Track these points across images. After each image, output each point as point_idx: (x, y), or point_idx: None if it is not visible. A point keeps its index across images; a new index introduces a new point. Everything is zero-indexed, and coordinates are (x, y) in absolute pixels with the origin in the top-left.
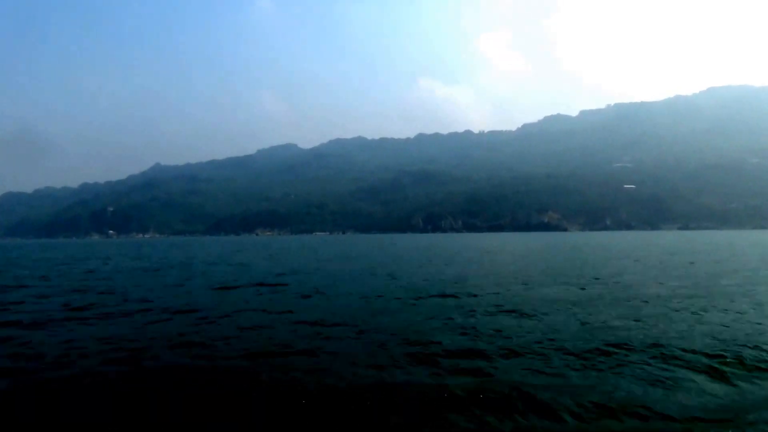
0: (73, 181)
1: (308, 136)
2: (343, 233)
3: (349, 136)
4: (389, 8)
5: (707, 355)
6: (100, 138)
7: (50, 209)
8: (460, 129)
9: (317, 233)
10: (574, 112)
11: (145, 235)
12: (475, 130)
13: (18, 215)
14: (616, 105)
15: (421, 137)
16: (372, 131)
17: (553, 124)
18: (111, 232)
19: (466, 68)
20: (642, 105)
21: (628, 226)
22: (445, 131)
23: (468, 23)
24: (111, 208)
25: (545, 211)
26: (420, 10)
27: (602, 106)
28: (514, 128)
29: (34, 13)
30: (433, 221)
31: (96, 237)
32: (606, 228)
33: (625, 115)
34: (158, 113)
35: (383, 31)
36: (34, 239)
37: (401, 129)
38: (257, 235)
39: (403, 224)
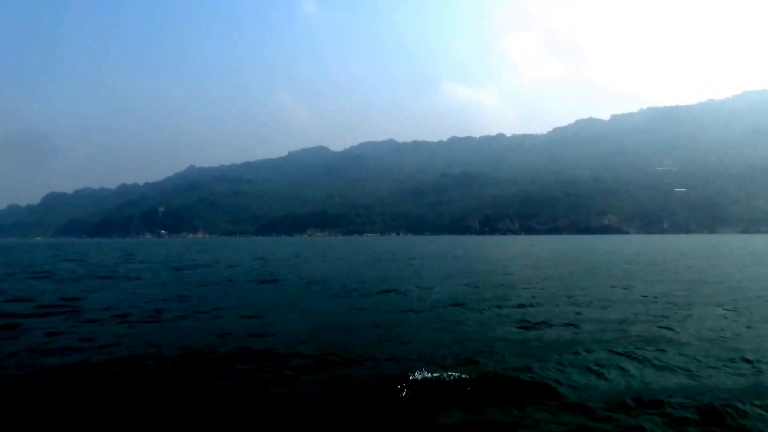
0: (107, 183)
1: (335, 139)
2: (397, 234)
3: (378, 138)
4: (413, 11)
5: None
6: (127, 141)
7: (96, 209)
8: (486, 132)
9: (367, 234)
10: (604, 116)
11: (196, 235)
12: (507, 134)
13: (64, 215)
14: (649, 109)
15: (453, 140)
16: (399, 134)
17: (585, 128)
18: (163, 231)
19: (490, 71)
20: (676, 109)
21: (687, 230)
22: (469, 134)
23: (491, 26)
24: (162, 209)
25: (605, 213)
26: (442, 12)
27: (634, 110)
28: (542, 131)
29: (58, 16)
30: (489, 223)
31: (149, 237)
32: (663, 231)
33: (659, 118)
34: (184, 116)
35: (400, 35)
36: (88, 238)
37: (427, 132)
38: (309, 235)
39: (458, 226)
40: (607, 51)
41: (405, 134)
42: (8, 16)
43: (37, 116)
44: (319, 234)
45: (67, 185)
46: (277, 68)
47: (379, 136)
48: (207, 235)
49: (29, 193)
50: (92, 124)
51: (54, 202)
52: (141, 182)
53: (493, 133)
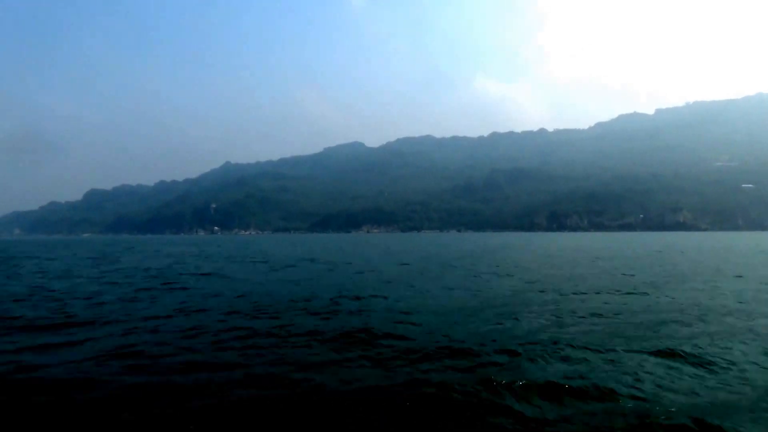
0: (142, 180)
1: (366, 135)
2: (458, 231)
3: (411, 134)
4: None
5: None
6: (155, 140)
7: (140, 206)
8: (522, 127)
9: (425, 231)
10: (646, 111)
11: (247, 232)
12: (546, 128)
13: (109, 212)
14: (695, 103)
15: (495, 135)
16: (433, 129)
17: (630, 123)
18: (216, 228)
19: (523, 66)
20: (724, 103)
21: (762, 227)
22: (510, 129)
23: (524, 20)
24: (214, 205)
25: (679, 210)
26: (465, 8)
27: (679, 104)
28: (581, 126)
29: (81, 18)
30: (558, 219)
31: (202, 233)
32: (738, 228)
33: (706, 113)
34: (212, 113)
35: (426, 31)
36: (139, 235)
37: (462, 127)
38: (367, 232)
39: (523, 222)
40: (642, 46)
41: (440, 129)
42: (33, 22)
43: (55, 115)
44: (375, 231)
45: (104, 182)
46: (305, 66)
47: (412, 132)
48: (259, 232)
49: (65, 191)
50: (121, 123)
51: (95, 199)
52: (176, 179)
53: (534, 128)
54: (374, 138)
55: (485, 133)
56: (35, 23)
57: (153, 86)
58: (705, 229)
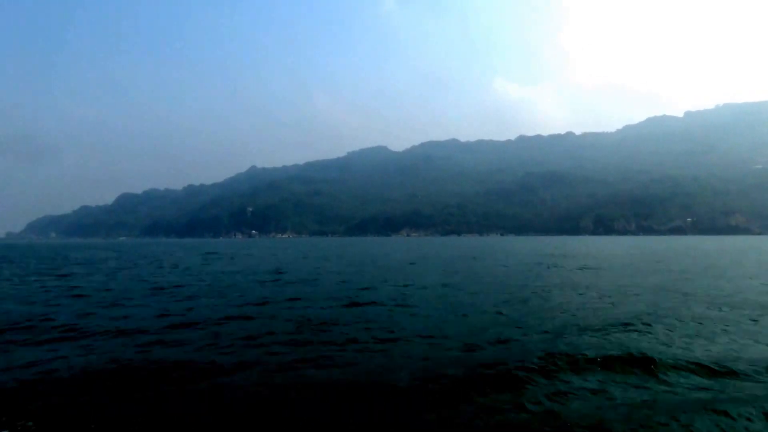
0: (166, 184)
1: (389, 139)
2: (501, 235)
3: (435, 138)
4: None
5: None
6: (174, 144)
7: (174, 210)
8: (548, 130)
9: (465, 235)
10: (677, 113)
11: (284, 235)
12: (568, 132)
13: (143, 215)
14: (725, 105)
15: (522, 139)
16: (459, 133)
17: (659, 126)
18: (253, 232)
19: (546, 67)
20: (758, 105)
21: None
22: (538, 133)
23: (546, 22)
24: (251, 209)
25: (731, 213)
26: (484, 10)
27: (709, 106)
28: (609, 129)
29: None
30: (604, 223)
31: (240, 237)
32: None
33: (738, 115)
34: (231, 118)
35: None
36: (177, 238)
37: (486, 130)
38: (407, 236)
39: (568, 226)
40: (668, 48)
41: (462, 133)
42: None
43: (81, 120)
44: (414, 234)
45: (132, 186)
46: (325, 69)
47: (433, 135)
48: (296, 236)
49: (95, 195)
50: (146, 128)
51: (127, 202)
52: (203, 182)
53: (559, 131)
54: (396, 142)
55: (510, 136)
56: (59, 31)
57: (176, 92)
58: (758, 233)
